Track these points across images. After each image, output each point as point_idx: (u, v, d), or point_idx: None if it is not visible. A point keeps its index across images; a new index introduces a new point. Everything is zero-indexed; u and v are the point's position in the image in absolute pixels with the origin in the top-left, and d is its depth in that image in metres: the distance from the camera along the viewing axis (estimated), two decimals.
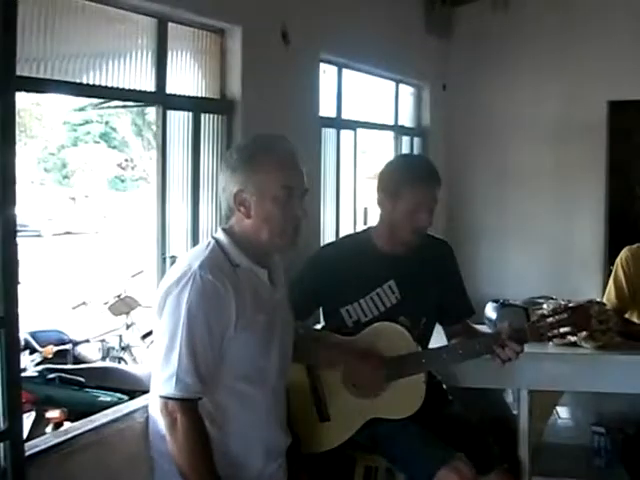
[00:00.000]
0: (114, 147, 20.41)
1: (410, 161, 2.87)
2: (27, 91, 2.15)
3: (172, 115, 2.77)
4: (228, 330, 2.04)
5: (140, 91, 2.68)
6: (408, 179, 2.73)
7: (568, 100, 5.92)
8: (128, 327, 6.11)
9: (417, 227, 2.74)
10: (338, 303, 2.83)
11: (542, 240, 6.07)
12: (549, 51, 5.92)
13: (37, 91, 2.26)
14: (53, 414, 3.76)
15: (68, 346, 5.49)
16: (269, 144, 2.12)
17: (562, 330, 2.69)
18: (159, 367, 2.05)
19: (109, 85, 2.48)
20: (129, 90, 2.58)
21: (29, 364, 4.87)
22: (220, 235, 2.15)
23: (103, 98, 2.62)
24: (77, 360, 5.42)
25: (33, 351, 5.27)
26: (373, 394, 2.72)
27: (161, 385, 2.03)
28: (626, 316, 3.56)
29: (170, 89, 2.73)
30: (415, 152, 5.73)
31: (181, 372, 1.99)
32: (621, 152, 6.04)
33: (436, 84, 6.10)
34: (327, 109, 4.27)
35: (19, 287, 1.93)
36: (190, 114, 2.88)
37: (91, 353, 5.74)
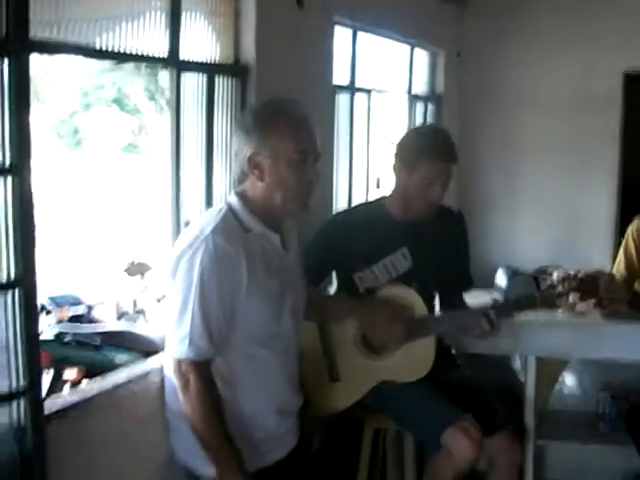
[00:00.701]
0: (127, 112, 20.32)
1: (432, 134, 2.87)
2: (40, 53, 2.15)
3: (186, 78, 2.76)
4: (240, 294, 2.08)
5: (153, 54, 2.68)
6: (426, 152, 2.74)
7: (583, 72, 5.87)
8: (143, 290, 6.15)
9: (429, 200, 2.77)
10: (351, 269, 2.87)
11: (554, 210, 6.06)
12: (566, 23, 5.85)
13: (50, 53, 2.26)
14: (70, 374, 3.81)
15: (83, 309, 5.54)
16: (284, 108, 2.13)
17: (570, 299, 2.72)
18: (172, 329, 2.09)
19: (122, 47, 2.47)
20: (142, 53, 2.57)
21: (45, 327, 4.93)
22: (233, 199, 2.17)
23: (116, 60, 2.61)
24: (92, 323, 5.47)
25: (48, 314, 5.32)
26: (386, 353, 2.76)
27: (174, 347, 2.08)
28: (635, 286, 3.58)
29: (184, 52, 2.73)
30: (429, 119, 5.73)
31: (194, 335, 2.04)
32: (636, 125, 6.01)
33: (451, 51, 6.05)
34: (341, 74, 4.26)
35: (36, 249, 1.96)
36: (204, 77, 2.88)
37: (106, 316, 5.79)
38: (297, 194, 2.14)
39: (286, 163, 2.10)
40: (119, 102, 20.08)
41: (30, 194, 1.93)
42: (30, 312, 1.95)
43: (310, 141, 2.14)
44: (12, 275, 1.91)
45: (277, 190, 2.12)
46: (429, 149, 2.76)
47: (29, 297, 1.94)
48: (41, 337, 4.26)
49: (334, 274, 3.04)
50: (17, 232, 1.90)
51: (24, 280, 1.92)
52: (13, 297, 1.92)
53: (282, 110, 2.13)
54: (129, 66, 3.06)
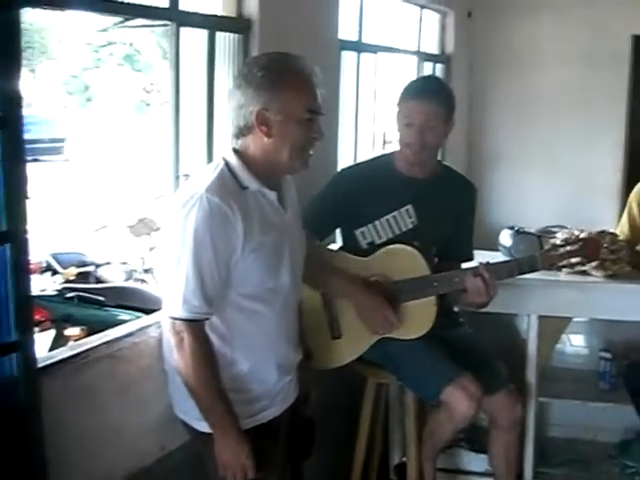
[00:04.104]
0: (139, 70, 20.22)
1: (416, 79, 2.88)
2: (32, 6, 2.12)
3: (186, 32, 2.73)
4: (235, 252, 2.07)
5: (153, 7, 2.65)
6: (403, 93, 2.78)
7: (592, 33, 5.84)
8: (151, 250, 6.18)
9: (405, 143, 2.76)
10: (354, 224, 2.86)
11: (561, 170, 6.05)
12: None
13: (43, 7, 2.22)
14: (72, 331, 3.85)
15: (90, 268, 5.58)
16: (296, 65, 2.10)
17: (573, 260, 2.72)
18: (167, 288, 2.10)
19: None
20: (141, 5, 2.54)
21: (51, 285, 4.96)
22: (229, 156, 2.15)
23: (113, 13, 2.58)
24: (99, 282, 5.52)
25: (55, 273, 5.36)
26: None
27: (169, 306, 2.09)
28: (637, 248, 3.58)
29: (184, 5, 2.69)
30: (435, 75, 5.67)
31: (188, 293, 2.03)
32: None
33: (461, 11, 5.97)
34: (348, 31, 4.21)
35: (27, 202, 1.94)
36: (205, 32, 2.85)
37: (113, 275, 5.83)
38: (303, 152, 2.13)
39: (296, 121, 2.08)
40: (130, 59, 19.96)
41: (20, 142, 1.90)
42: (21, 267, 1.94)
43: (319, 102, 2.13)
44: (1, 229, 1.89)
45: (284, 147, 2.10)
46: (406, 90, 2.79)
47: (19, 252, 1.92)
48: (44, 293, 4.31)
49: (338, 231, 3.04)
50: (6, 184, 1.87)
51: (14, 235, 1.90)
52: (3, 252, 1.90)
53: (294, 67, 2.10)
54: (140, 22, 3.02)
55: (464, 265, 2.92)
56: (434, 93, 2.76)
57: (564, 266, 2.78)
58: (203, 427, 2.14)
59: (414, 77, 5.33)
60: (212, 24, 2.90)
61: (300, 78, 2.09)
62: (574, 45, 5.90)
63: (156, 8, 2.69)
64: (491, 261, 2.77)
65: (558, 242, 2.78)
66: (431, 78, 2.83)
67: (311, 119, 2.11)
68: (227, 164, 2.13)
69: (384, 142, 4.98)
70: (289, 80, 2.08)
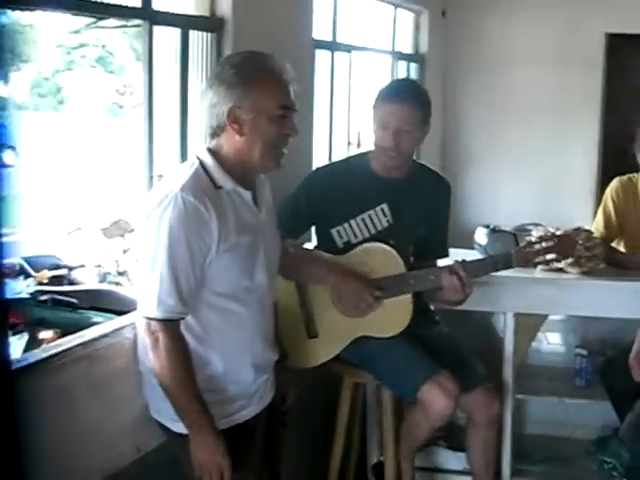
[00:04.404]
0: (111, 72, 20.07)
1: (392, 81, 2.89)
2: (3, 7, 2.09)
3: (159, 32, 2.71)
4: (210, 251, 2.06)
5: (125, 6, 2.63)
6: (378, 96, 2.77)
7: (566, 32, 5.91)
8: (125, 252, 6.12)
9: (380, 147, 2.76)
10: (329, 223, 2.86)
11: (536, 169, 6.10)
12: None
13: (11, 7, 2.19)
14: (46, 334, 3.80)
15: (63, 271, 5.50)
16: (267, 62, 2.10)
17: (548, 257, 2.73)
18: (142, 288, 2.08)
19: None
20: (113, 5, 2.52)
21: (24, 289, 4.89)
22: (204, 155, 2.13)
23: (85, 12, 2.56)
24: (73, 285, 5.44)
25: (28, 276, 5.29)
26: (362, 313, 2.77)
27: (143, 305, 2.07)
28: (613, 245, 3.60)
29: (157, 5, 2.67)
30: (411, 78, 5.69)
31: (162, 293, 2.02)
32: (619, 86, 6.02)
33: (435, 10, 6.01)
34: (322, 31, 4.20)
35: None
36: (178, 31, 2.84)
37: (87, 278, 5.76)
38: (275, 149, 2.12)
39: (268, 118, 2.07)
40: (103, 61, 19.81)
41: None
42: None
43: (291, 98, 2.12)
44: None
45: (256, 145, 2.09)
46: (381, 93, 2.79)
47: None
48: (17, 296, 4.25)
49: (313, 229, 3.03)
50: None
51: None
52: None
53: (266, 64, 2.09)
54: (113, 23, 3.00)
55: (440, 262, 2.92)
56: (410, 97, 2.76)
57: (539, 263, 2.80)
58: (179, 428, 2.12)
59: (389, 78, 5.36)
60: (185, 23, 2.89)
61: (271, 75, 2.08)
62: (548, 44, 5.95)
63: (129, 7, 2.67)
64: (467, 259, 2.77)
65: (533, 239, 2.79)
66: (408, 81, 2.84)
67: (283, 116, 2.10)
68: (201, 163, 2.12)
69: (358, 141, 4.98)
70: (260, 77, 2.07)
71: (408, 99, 2.74)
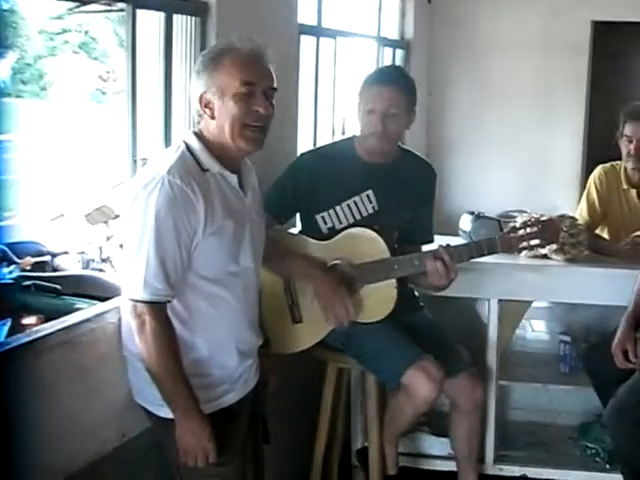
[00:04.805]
0: (94, 58, 19.91)
1: (379, 67, 2.90)
2: None
3: (143, 16, 2.69)
4: (197, 234, 2.06)
5: None
6: (365, 81, 2.79)
7: (553, 18, 5.90)
8: (108, 239, 6.09)
9: (367, 132, 2.76)
10: (314, 209, 2.86)
11: (521, 156, 6.10)
12: None
13: None
14: (29, 321, 3.77)
15: (47, 258, 5.47)
16: (233, 44, 2.11)
17: (532, 242, 2.74)
18: (128, 270, 2.07)
19: None
20: None
21: (7, 275, 4.86)
22: (190, 139, 2.14)
23: None
24: (56, 272, 5.41)
25: (11, 263, 5.25)
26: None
27: (129, 288, 2.06)
28: (596, 232, 3.62)
29: None
30: (397, 64, 5.67)
31: (149, 275, 2.01)
32: (605, 74, 6.03)
33: None
34: (307, 15, 4.18)
35: None
36: (162, 14, 2.81)
37: (70, 265, 5.72)
38: (244, 128, 2.10)
39: (232, 96, 2.07)
40: (86, 47, 19.64)
41: None
42: None
43: (258, 73, 2.11)
44: None
45: (225, 125, 2.09)
46: (369, 77, 2.81)
47: None
48: (1, 283, 4.22)
49: (297, 216, 3.03)
50: None
51: None
52: None
53: (231, 47, 2.11)
54: (96, 8, 2.97)
55: (425, 248, 2.92)
56: (397, 80, 2.77)
57: (524, 248, 2.80)
58: (164, 413, 2.12)
59: (374, 64, 5.33)
60: (169, 7, 2.85)
61: (235, 55, 2.09)
62: (534, 31, 5.94)
63: None
64: (451, 244, 2.78)
65: (517, 225, 2.79)
66: (394, 67, 2.86)
67: (248, 93, 2.08)
68: (188, 146, 2.13)
69: (343, 127, 4.96)
70: (223, 58, 2.09)
71: (395, 82, 2.75)
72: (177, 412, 2.09)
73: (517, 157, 6.11)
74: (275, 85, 2.15)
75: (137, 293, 2.03)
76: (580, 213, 3.65)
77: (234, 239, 2.14)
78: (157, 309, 2.05)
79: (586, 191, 3.72)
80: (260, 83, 2.10)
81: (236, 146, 2.12)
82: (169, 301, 2.08)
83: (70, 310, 3.47)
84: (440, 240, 3.00)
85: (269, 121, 2.14)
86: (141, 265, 2.01)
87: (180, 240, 2.03)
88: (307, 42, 4.21)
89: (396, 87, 2.73)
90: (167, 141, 2.82)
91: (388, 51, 5.60)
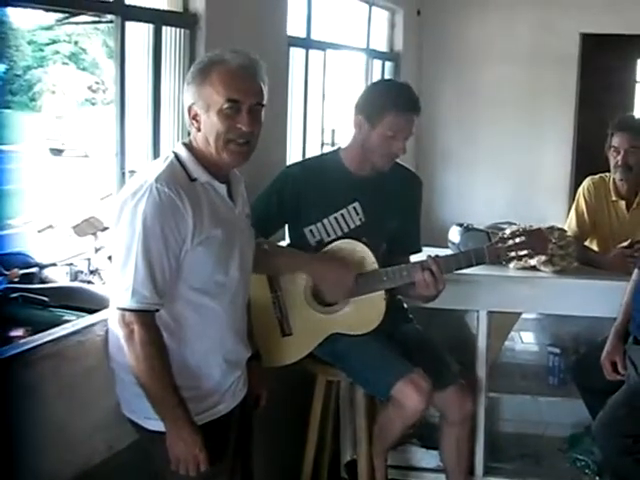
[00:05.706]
0: (84, 69, 19.90)
1: (397, 87, 2.86)
2: None
3: (132, 28, 2.69)
4: (185, 243, 2.05)
5: (98, 0, 2.60)
6: (393, 105, 2.72)
7: (542, 30, 5.95)
8: (97, 250, 6.06)
9: (391, 153, 2.76)
10: (302, 222, 2.85)
11: (510, 167, 6.13)
12: None
13: None
14: (17, 333, 3.75)
15: (34, 269, 5.43)
16: (223, 57, 2.09)
17: (520, 253, 2.73)
18: (116, 279, 2.06)
19: None
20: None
21: None
22: (179, 149, 2.14)
23: (58, 7, 2.52)
24: (44, 283, 5.38)
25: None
26: (336, 306, 2.76)
27: (118, 297, 2.04)
28: (585, 244, 3.63)
29: None
30: (386, 77, 5.69)
31: (137, 284, 2.00)
32: (594, 86, 6.07)
33: (410, 9, 6.02)
34: (296, 28, 4.19)
35: None
36: (151, 26, 2.81)
37: (58, 277, 5.69)
38: (227, 143, 2.09)
39: (216, 112, 2.07)
40: (75, 58, 19.62)
41: None
42: None
43: (245, 91, 2.09)
44: None
45: (210, 139, 2.09)
46: (394, 101, 2.74)
47: None
48: None
49: (286, 228, 3.02)
50: None
51: None
52: None
53: (220, 60, 2.09)
54: (85, 19, 2.97)
55: (413, 258, 2.92)
56: (418, 103, 2.78)
57: (512, 258, 2.78)
58: (151, 426, 2.11)
59: (364, 76, 5.35)
60: (158, 19, 2.86)
61: (223, 69, 2.08)
62: (523, 43, 5.99)
63: (101, 2, 2.65)
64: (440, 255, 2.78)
65: (506, 235, 2.79)
66: (407, 86, 2.81)
67: (233, 109, 2.07)
68: (177, 156, 2.13)
69: (333, 139, 4.98)
70: (211, 72, 2.08)
71: (417, 106, 2.77)
72: (167, 421, 2.07)
73: (506, 169, 6.13)
74: (264, 101, 2.14)
75: (125, 302, 2.02)
76: (569, 225, 3.66)
77: (223, 249, 2.14)
78: (145, 317, 2.03)
79: (575, 203, 3.73)
80: (246, 100, 2.09)
81: (221, 159, 2.12)
82: (157, 310, 2.07)
83: (58, 322, 3.45)
84: (429, 252, 3.00)
85: (253, 136, 2.13)
86: (129, 273, 2.00)
87: (168, 248, 2.02)
88: (296, 54, 4.22)
89: (418, 112, 2.77)
90: (155, 153, 2.82)
91: (377, 63, 5.62)
